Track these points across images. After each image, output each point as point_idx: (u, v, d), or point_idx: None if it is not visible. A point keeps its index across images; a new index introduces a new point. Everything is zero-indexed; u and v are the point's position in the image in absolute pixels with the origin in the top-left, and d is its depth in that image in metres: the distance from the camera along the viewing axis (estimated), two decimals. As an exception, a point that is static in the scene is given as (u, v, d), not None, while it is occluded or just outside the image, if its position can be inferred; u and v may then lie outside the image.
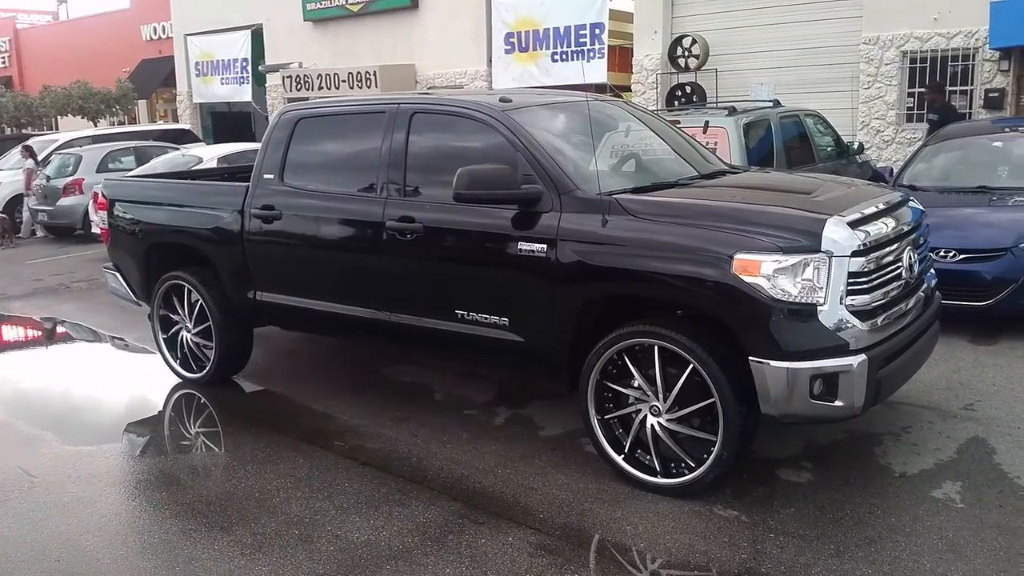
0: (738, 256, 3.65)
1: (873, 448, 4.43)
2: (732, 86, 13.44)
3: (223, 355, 5.72)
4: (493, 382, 5.63)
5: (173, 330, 5.97)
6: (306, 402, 5.49)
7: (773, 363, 3.61)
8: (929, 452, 4.35)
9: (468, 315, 4.49)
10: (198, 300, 5.72)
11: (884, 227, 4.00)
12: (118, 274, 6.39)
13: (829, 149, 9.38)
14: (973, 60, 11.83)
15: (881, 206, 4.16)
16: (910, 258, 4.16)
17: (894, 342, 3.92)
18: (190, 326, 5.84)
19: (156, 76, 27.05)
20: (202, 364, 5.83)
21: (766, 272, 3.61)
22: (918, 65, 12.27)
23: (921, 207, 4.60)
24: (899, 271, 4.04)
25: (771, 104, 9.00)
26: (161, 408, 5.57)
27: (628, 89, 15.41)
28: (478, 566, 3.42)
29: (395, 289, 4.82)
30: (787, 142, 8.27)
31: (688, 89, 13.80)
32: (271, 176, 5.33)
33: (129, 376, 6.44)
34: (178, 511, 4.04)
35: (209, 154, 12.86)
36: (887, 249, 3.95)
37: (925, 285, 4.44)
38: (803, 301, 3.62)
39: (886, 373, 3.82)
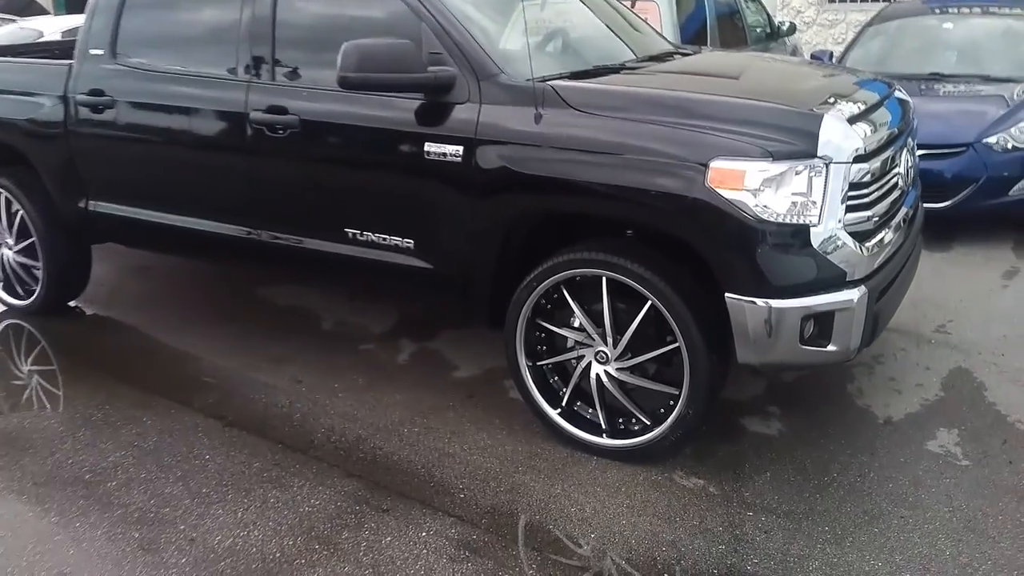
0: (715, 163, 2.80)
1: (846, 385, 3.77)
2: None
3: (53, 277, 4.59)
4: (392, 305, 4.71)
5: (-9, 247, 4.80)
6: (161, 336, 4.45)
7: (757, 301, 2.83)
8: (911, 389, 3.72)
9: (362, 235, 3.53)
10: (18, 210, 4.56)
11: (881, 123, 3.22)
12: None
13: (758, 30, 8.53)
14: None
15: (874, 98, 3.37)
16: (907, 162, 3.42)
17: (890, 267, 3.19)
18: (11, 242, 4.68)
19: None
20: (30, 289, 4.71)
21: (751, 185, 2.78)
22: (844, -61, 11.47)
23: (908, 97, 3.83)
24: (896, 179, 3.29)
25: (700, -24, 8.00)
26: (-25, 347, 4.46)
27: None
28: (383, 579, 2.60)
29: (265, 201, 3.79)
30: (720, 20, 7.36)
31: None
32: (100, 52, 4.14)
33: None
34: (-21, 503, 3.05)
35: (52, 27, 11.01)
36: (887, 152, 3.18)
37: (912, 196, 3.71)
38: (794, 221, 2.81)
39: (882, 306, 3.10)
